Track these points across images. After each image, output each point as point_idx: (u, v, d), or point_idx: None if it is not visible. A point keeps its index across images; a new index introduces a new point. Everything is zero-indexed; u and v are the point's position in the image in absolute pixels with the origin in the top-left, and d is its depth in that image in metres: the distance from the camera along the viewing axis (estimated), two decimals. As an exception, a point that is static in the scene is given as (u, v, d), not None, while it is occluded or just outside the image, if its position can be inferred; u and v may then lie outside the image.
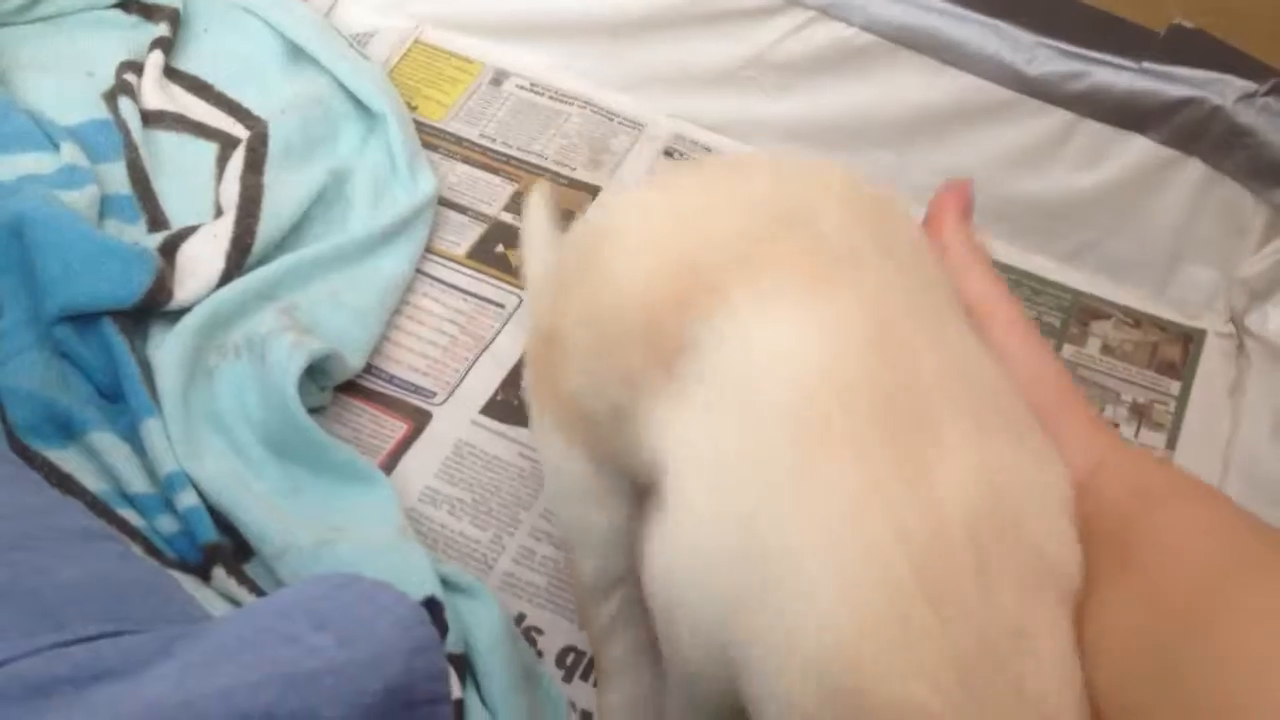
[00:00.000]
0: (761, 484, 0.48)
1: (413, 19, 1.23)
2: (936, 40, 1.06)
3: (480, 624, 0.80)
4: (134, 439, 0.87)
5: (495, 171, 1.13)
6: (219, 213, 1.01)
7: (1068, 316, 1.07)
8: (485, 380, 0.99)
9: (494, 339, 1.01)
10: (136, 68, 1.11)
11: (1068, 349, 1.05)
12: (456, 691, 0.64)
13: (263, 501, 0.85)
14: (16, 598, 0.54)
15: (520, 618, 0.86)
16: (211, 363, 0.92)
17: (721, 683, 0.50)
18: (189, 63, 1.14)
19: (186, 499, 0.84)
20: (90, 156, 1.03)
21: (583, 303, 0.61)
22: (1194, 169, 1.03)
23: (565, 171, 1.13)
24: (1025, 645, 0.45)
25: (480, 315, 1.03)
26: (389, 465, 0.93)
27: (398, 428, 0.95)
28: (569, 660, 0.84)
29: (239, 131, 1.08)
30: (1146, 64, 1.02)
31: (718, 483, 0.50)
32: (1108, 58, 1.02)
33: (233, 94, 1.12)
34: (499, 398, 0.97)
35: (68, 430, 0.87)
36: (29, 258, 0.91)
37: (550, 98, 1.19)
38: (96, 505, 0.83)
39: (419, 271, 1.05)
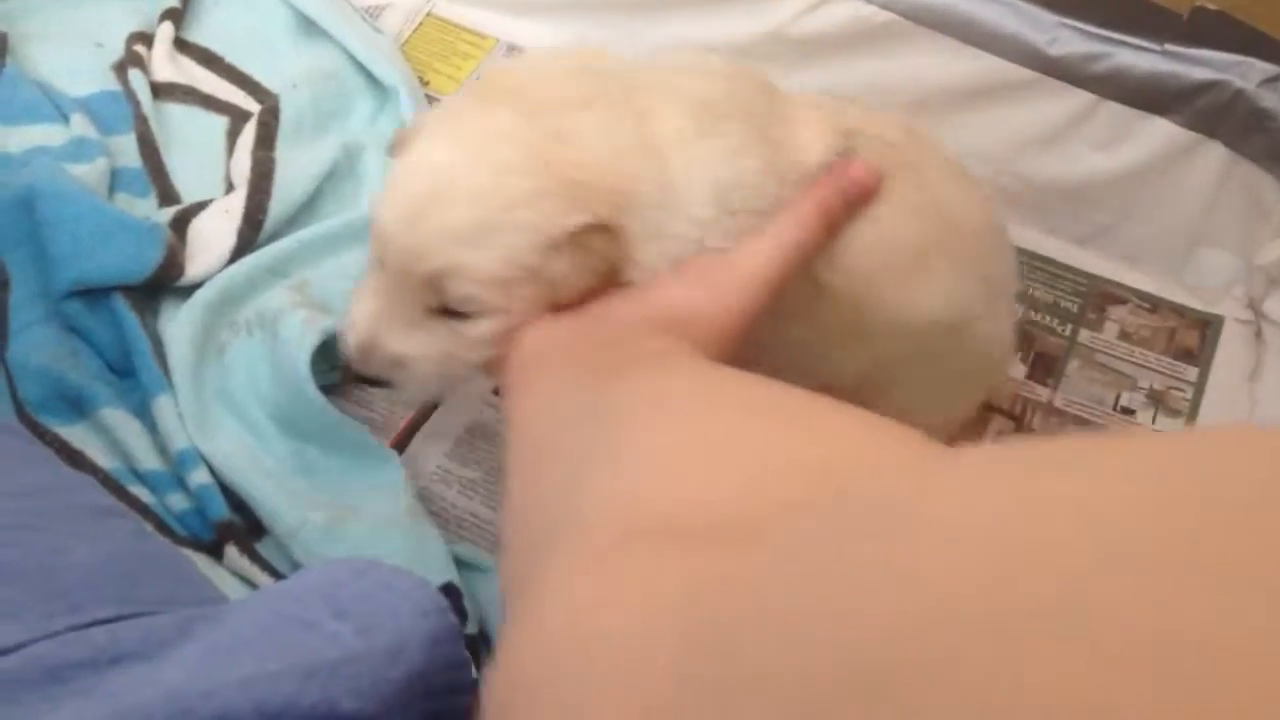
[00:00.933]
0: None
1: (425, -8, 1.22)
2: (956, 19, 1.05)
3: (494, 604, 0.80)
4: (145, 415, 0.87)
5: (508, 147, 1.12)
6: (230, 188, 1.00)
7: (1085, 301, 1.06)
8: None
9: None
10: (146, 39, 1.10)
11: (1085, 334, 1.04)
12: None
13: (274, 479, 0.85)
14: (31, 578, 0.53)
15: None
16: (223, 339, 0.92)
17: None
18: (199, 34, 1.13)
19: (198, 476, 0.84)
20: (100, 129, 1.02)
21: None
22: (1215, 152, 1.02)
23: (578, 148, 1.12)
24: None
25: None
26: (401, 445, 0.92)
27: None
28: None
29: (250, 105, 1.07)
30: (1169, 46, 1.01)
31: None
32: (1130, 39, 1.01)
33: (243, 67, 1.11)
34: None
35: (78, 406, 0.86)
36: (39, 232, 0.90)
37: (564, 73, 1.18)
38: (108, 482, 0.83)
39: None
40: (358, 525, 0.82)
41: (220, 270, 0.93)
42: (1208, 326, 1.05)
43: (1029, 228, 1.09)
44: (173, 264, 0.91)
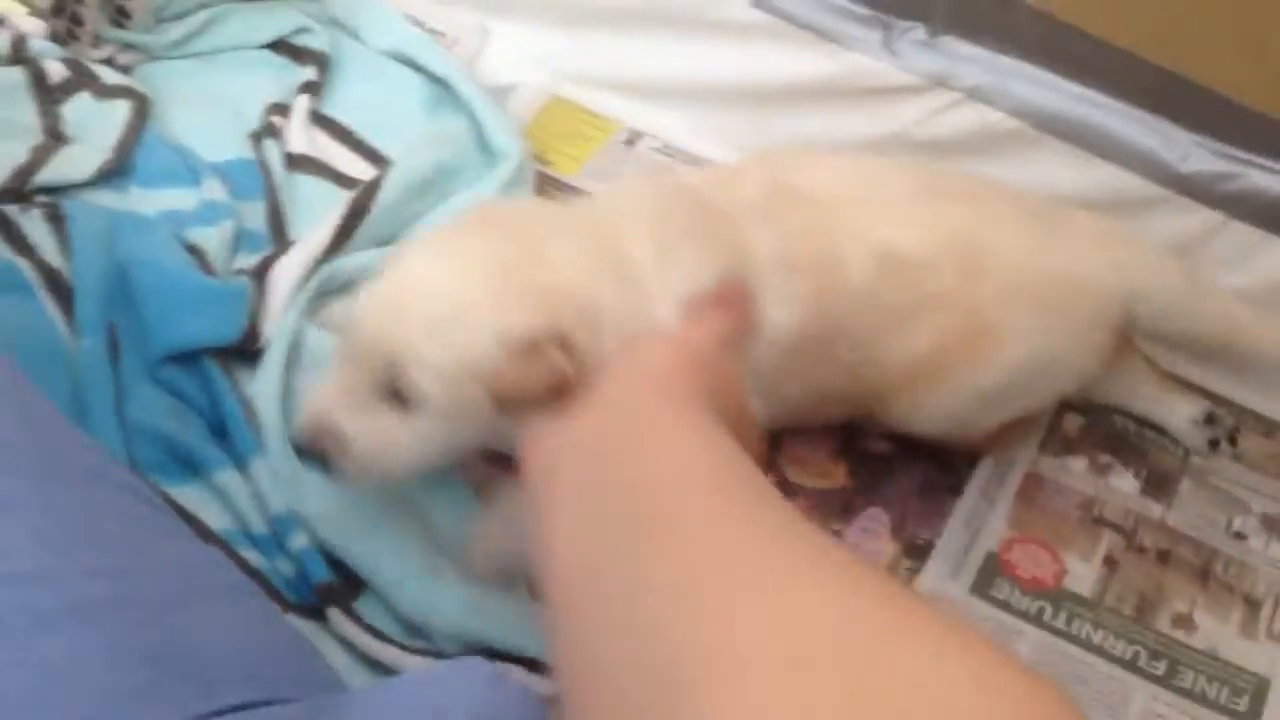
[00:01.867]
0: None
1: (551, 75, 1.24)
2: (1088, 130, 1.04)
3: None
4: (249, 478, 0.88)
5: (625, 231, 1.13)
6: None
7: (1199, 420, 1.05)
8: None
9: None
10: (283, 110, 1.12)
11: (1197, 460, 1.03)
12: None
13: (371, 532, 0.85)
14: (172, 662, 0.54)
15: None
16: (296, 385, 0.93)
17: None
18: (334, 107, 1.16)
19: (298, 540, 0.84)
20: (232, 193, 1.04)
21: None
22: (1345, 277, 1.01)
23: (695, 236, 1.13)
24: None
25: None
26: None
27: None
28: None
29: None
30: (1301, 167, 1.00)
31: None
32: (1262, 160, 1.00)
33: (373, 141, 1.13)
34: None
35: (191, 467, 0.88)
36: (134, 299, 0.93)
37: (683, 161, 1.19)
38: (223, 547, 0.83)
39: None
40: (458, 581, 0.83)
41: (285, 317, 0.95)
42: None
43: (1149, 344, 1.08)
44: (255, 329, 0.94)
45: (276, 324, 0.94)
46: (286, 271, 0.97)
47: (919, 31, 1.09)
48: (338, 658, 0.81)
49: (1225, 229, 1.02)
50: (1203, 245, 1.04)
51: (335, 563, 0.85)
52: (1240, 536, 0.99)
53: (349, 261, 1.00)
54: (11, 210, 0.97)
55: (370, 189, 1.02)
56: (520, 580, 0.84)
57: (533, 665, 0.81)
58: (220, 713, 0.52)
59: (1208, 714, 0.88)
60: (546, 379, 0.69)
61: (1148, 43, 1.06)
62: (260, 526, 0.86)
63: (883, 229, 0.85)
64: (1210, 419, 1.02)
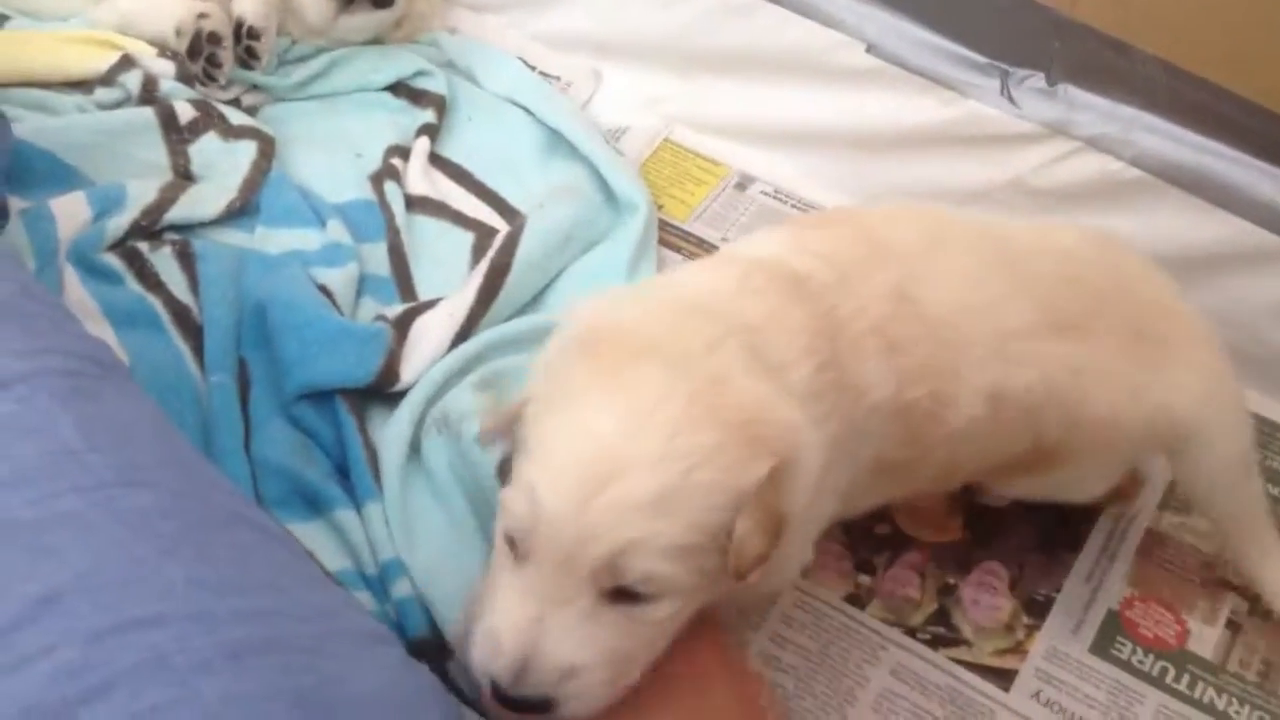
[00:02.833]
0: None
1: (664, 118, 1.25)
2: (1207, 181, 1.03)
3: None
4: (364, 521, 0.89)
5: (737, 276, 1.13)
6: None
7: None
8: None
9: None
10: (403, 152, 1.14)
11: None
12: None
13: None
14: (318, 706, 0.54)
15: None
16: (420, 438, 0.94)
17: None
18: (452, 150, 1.18)
19: (401, 588, 0.84)
20: (354, 235, 1.06)
21: None
22: None
23: (806, 282, 1.13)
24: None
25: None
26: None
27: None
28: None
29: (496, 222, 1.11)
30: None
31: None
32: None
33: (491, 184, 1.15)
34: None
35: (314, 505, 0.89)
36: (270, 336, 0.95)
37: (794, 206, 1.19)
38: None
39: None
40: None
41: (427, 371, 0.96)
42: None
43: (1271, 397, 1.05)
44: (391, 370, 0.95)
45: (419, 374, 0.95)
46: (434, 328, 0.98)
47: (1038, 80, 1.08)
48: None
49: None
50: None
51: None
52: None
53: (503, 334, 1.01)
54: (143, 247, 0.99)
55: (508, 246, 1.03)
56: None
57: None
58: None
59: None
60: (770, 525, 0.63)
61: (1269, 93, 1.05)
62: (371, 569, 0.86)
63: (996, 369, 0.79)
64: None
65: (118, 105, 1.11)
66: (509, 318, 1.03)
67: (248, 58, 1.16)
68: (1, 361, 0.62)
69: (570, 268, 1.09)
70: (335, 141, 1.16)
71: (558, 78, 1.27)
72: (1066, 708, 0.88)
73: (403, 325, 0.98)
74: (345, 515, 0.88)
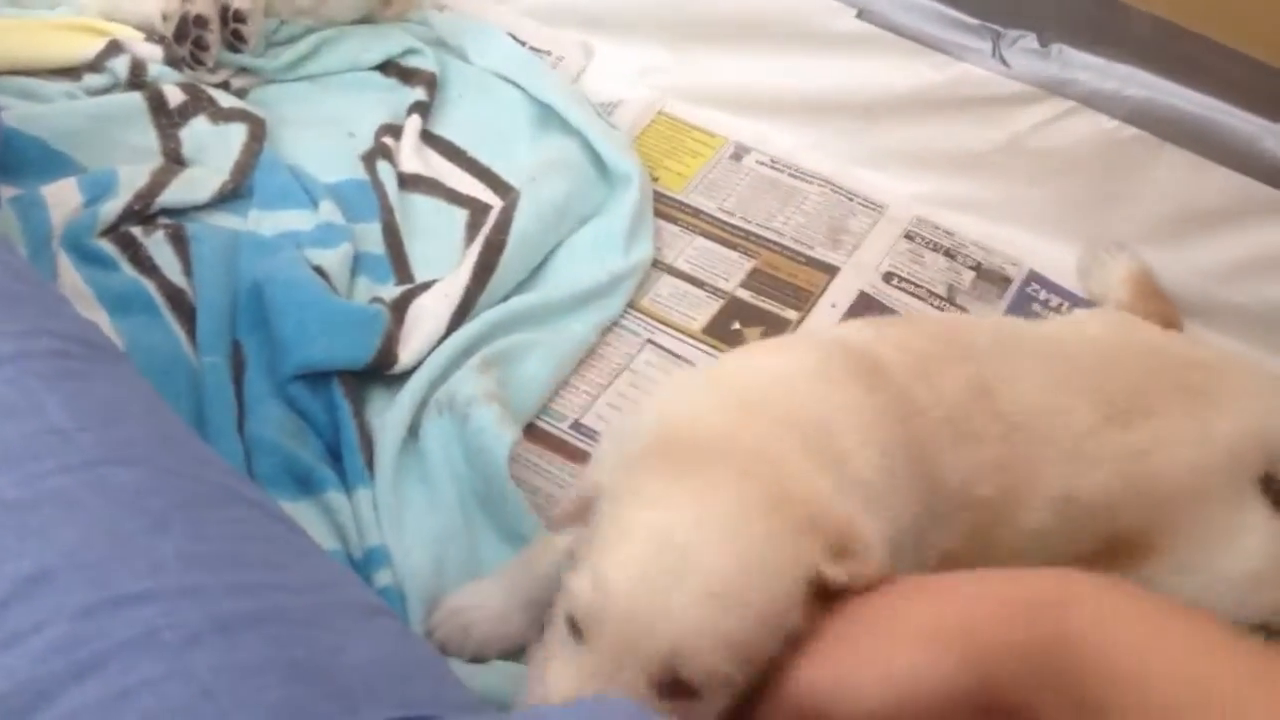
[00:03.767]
0: None
1: (657, 90, 1.24)
2: (1204, 136, 1.02)
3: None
4: (353, 504, 0.88)
5: (733, 246, 1.13)
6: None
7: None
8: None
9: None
10: (394, 130, 1.14)
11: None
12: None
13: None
14: (314, 679, 0.54)
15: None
16: (420, 420, 0.93)
17: None
18: (444, 127, 1.18)
19: (383, 577, 0.84)
20: (347, 215, 1.06)
21: None
22: None
23: (803, 249, 1.13)
24: None
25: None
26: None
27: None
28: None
29: (489, 198, 1.11)
30: None
31: None
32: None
33: (484, 160, 1.14)
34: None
35: (305, 485, 0.89)
36: (269, 317, 0.94)
37: (791, 175, 1.18)
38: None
39: (650, 343, 1.05)
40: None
41: (429, 352, 0.96)
42: None
43: (1271, 351, 1.05)
44: (389, 351, 0.94)
45: (418, 356, 0.95)
46: (431, 309, 0.98)
47: (1030, 40, 1.07)
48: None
49: (1351, 235, 1.00)
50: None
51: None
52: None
53: (504, 313, 1.00)
54: (136, 232, 0.99)
55: (503, 222, 1.03)
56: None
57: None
58: (367, 728, 0.53)
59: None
60: (817, 616, 0.63)
61: (1264, 46, 1.04)
62: (358, 554, 0.86)
63: (1068, 470, 0.79)
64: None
65: (106, 91, 1.11)
66: (507, 294, 1.03)
67: (235, 40, 1.15)
68: (-10, 344, 0.62)
69: (567, 241, 1.09)
70: (326, 122, 1.16)
71: (548, 53, 1.26)
72: None
73: (400, 307, 0.98)
74: (336, 497, 0.88)
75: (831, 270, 1.11)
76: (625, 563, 0.62)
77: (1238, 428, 0.84)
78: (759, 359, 0.81)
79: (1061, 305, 1.10)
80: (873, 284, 1.10)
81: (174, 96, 1.10)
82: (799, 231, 1.14)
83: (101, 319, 0.91)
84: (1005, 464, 0.77)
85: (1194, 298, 1.06)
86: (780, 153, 1.20)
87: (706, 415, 0.71)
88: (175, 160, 1.07)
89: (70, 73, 1.12)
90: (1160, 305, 1.03)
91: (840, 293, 1.09)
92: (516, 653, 0.79)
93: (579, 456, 0.95)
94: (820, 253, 1.12)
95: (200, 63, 1.14)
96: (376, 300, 0.99)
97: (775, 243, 1.13)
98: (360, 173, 1.10)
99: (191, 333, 0.94)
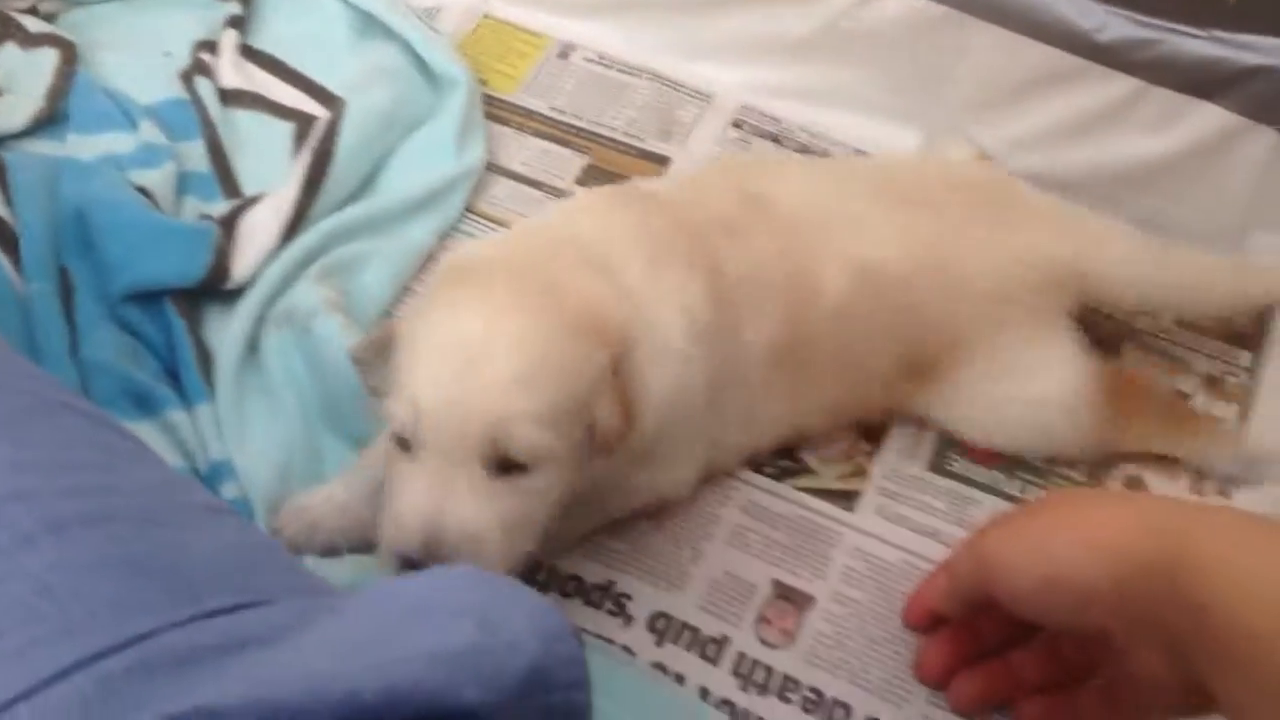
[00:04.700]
0: None
1: (479, -6, 1.24)
2: (1006, 10, 1.06)
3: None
4: (194, 421, 0.89)
5: (566, 144, 1.14)
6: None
7: (1138, 286, 1.07)
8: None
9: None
10: (212, 47, 1.12)
11: (1142, 320, 1.05)
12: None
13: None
14: (155, 571, 0.55)
15: (609, 584, 0.87)
16: (260, 335, 0.94)
17: None
18: (263, 40, 1.16)
19: (229, 490, 0.85)
20: (169, 135, 1.04)
21: None
22: (1265, 138, 1.03)
23: (635, 143, 1.14)
24: None
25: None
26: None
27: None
28: (659, 625, 0.86)
29: (314, 109, 1.10)
30: (1217, 32, 1.02)
31: None
32: (1178, 26, 1.02)
33: (306, 71, 1.13)
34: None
35: (144, 405, 0.89)
36: (95, 240, 0.93)
37: (619, 70, 1.20)
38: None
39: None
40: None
41: (262, 267, 0.96)
42: (1263, 311, 1.05)
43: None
44: (221, 267, 0.94)
45: (256, 275, 0.95)
46: (261, 223, 0.97)
47: (838, -77, 1.10)
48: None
49: (1146, 96, 1.05)
50: (1125, 114, 1.06)
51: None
52: (1184, 396, 1.02)
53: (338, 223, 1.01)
54: (-51, 164, 0.96)
55: (329, 133, 1.03)
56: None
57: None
58: (210, 615, 0.54)
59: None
60: (624, 403, 0.72)
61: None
62: (203, 469, 0.87)
63: (855, 245, 0.86)
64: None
65: (-95, 21, 1.07)
66: (341, 205, 1.03)
67: (40, -36, 1.12)
68: None
69: (397, 149, 1.09)
70: (140, 42, 1.13)
71: (366, -41, 1.25)
72: (909, 517, 0.92)
73: (229, 223, 0.97)
74: (176, 415, 0.88)
75: (664, 161, 1.13)
76: (428, 371, 0.70)
77: (1043, 249, 0.89)
78: (543, 213, 0.90)
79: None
80: (703, 172, 1.12)
81: (-22, 24, 1.07)
82: (630, 125, 1.16)
83: (-82, 252, 0.88)
84: (787, 250, 0.84)
85: (1018, 171, 1.09)
86: (607, 49, 1.21)
87: (489, 245, 0.82)
88: (-15, 89, 1.04)
89: None
90: None
91: (673, 182, 1.12)
92: (367, 546, 0.81)
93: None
94: (652, 144, 1.14)
95: (0, -13, 1.10)
96: (205, 217, 0.98)
97: (608, 138, 1.15)
98: (179, 91, 1.08)
99: (16, 262, 0.92)
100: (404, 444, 0.70)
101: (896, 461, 0.95)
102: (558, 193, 1.10)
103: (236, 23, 1.15)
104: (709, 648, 0.85)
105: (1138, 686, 0.70)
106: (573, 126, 1.15)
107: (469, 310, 0.71)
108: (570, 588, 0.87)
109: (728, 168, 0.92)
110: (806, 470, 0.94)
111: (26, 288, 0.90)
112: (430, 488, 0.69)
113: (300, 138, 1.07)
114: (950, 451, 0.96)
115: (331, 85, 1.12)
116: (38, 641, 0.49)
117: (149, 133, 1.03)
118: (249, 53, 1.14)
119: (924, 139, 1.13)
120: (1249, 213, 1.07)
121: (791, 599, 0.88)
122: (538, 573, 0.86)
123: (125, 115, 1.05)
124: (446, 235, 1.05)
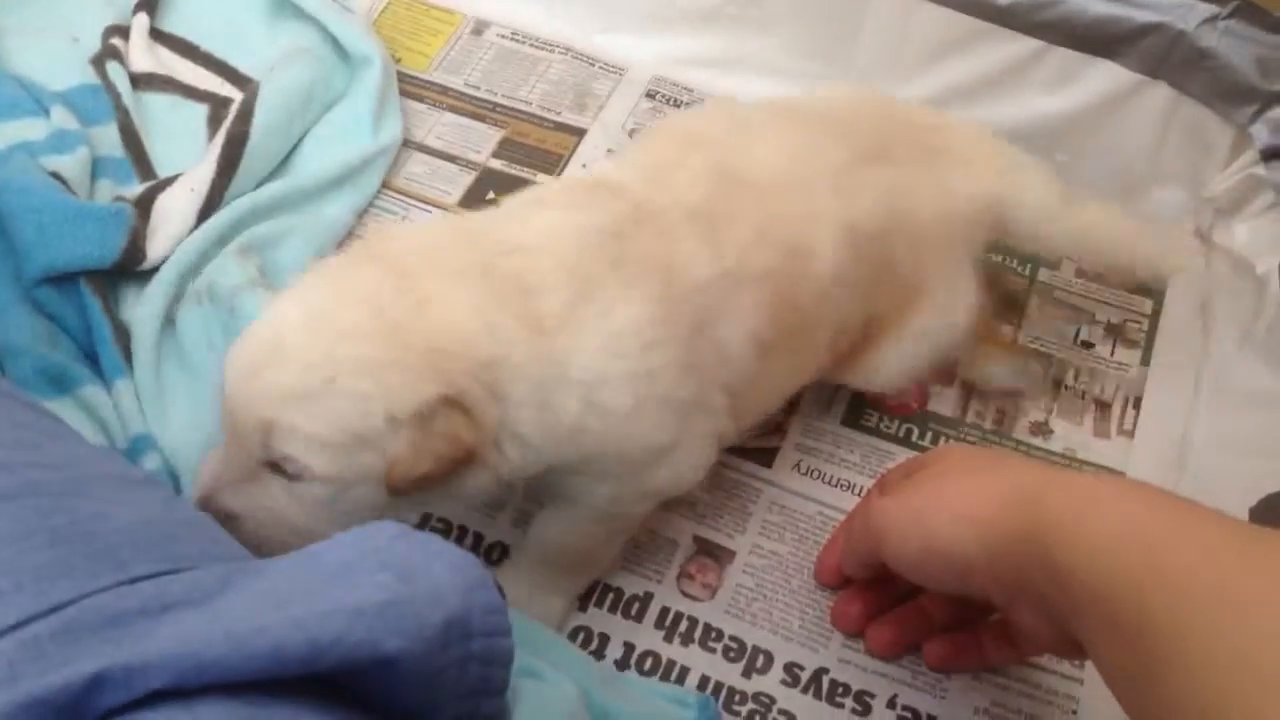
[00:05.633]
0: None
1: (390, -28, 1.24)
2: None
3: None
4: (113, 397, 0.90)
5: (482, 119, 1.15)
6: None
7: (1043, 240, 1.10)
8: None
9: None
10: (122, 31, 1.12)
11: (1044, 273, 1.09)
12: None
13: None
14: (78, 541, 0.56)
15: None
16: (177, 310, 0.95)
17: None
18: (174, 24, 1.16)
19: (150, 461, 0.86)
20: (81, 120, 1.04)
21: None
22: (1161, 92, 1.06)
23: (550, 115, 1.16)
24: None
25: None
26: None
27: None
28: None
29: (228, 92, 1.10)
30: (1113, -10, 1.05)
31: None
32: (1076, -13, 1.05)
33: (220, 54, 1.13)
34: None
35: (60, 384, 0.89)
36: (4, 225, 0.93)
37: (532, 45, 1.21)
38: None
39: (408, 221, 1.07)
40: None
41: (177, 246, 0.96)
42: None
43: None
44: (136, 248, 0.94)
45: (167, 251, 0.95)
46: (176, 204, 0.97)
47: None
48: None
49: (1046, 55, 1.08)
50: (1026, 73, 1.09)
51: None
52: (1088, 345, 1.05)
53: (255, 200, 1.01)
54: None
55: (243, 114, 1.03)
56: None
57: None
58: (134, 580, 0.55)
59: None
60: (438, 450, 0.67)
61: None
62: (123, 444, 0.87)
63: (836, 205, 0.81)
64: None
65: None
66: (257, 185, 1.03)
67: (-59, -50, 1.11)
68: None
69: (313, 130, 1.09)
70: (48, 28, 1.12)
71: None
72: (825, 471, 0.95)
73: (144, 203, 0.98)
74: (93, 391, 0.89)
75: (579, 133, 1.15)
76: (240, 350, 0.68)
77: (973, 186, 0.90)
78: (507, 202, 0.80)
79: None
80: (619, 142, 1.14)
81: (-120, 15, 1.06)
82: (545, 99, 1.17)
83: None
84: (765, 229, 0.78)
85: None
86: (519, 24, 1.22)
87: (414, 235, 0.74)
88: (-110, 80, 1.03)
89: None
90: None
91: (589, 153, 1.13)
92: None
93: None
94: (567, 117, 1.16)
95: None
96: (119, 199, 0.98)
97: (523, 111, 1.16)
98: (90, 77, 1.08)
99: (-71, 248, 0.92)
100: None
101: (812, 416, 0.98)
102: (474, 166, 1.11)
103: (147, 6, 1.14)
104: (633, 606, 0.87)
105: (1024, 634, 0.75)
106: (487, 101, 1.16)
107: (309, 296, 0.69)
108: (496, 555, 0.88)
109: (691, 139, 0.83)
110: (724, 430, 0.96)
111: (-61, 275, 0.90)
112: (220, 459, 0.70)
113: (214, 120, 1.07)
114: (865, 406, 0.99)
115: (245, 68, 1.12)
116: (-38, 612, 0.50)
117: (61, 119, 1.03)
118: (160, 36, 1.14)
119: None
120: (1149, 168, 1.10)
121: (713, 554, 0.90)
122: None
123: (36, 102, 1.04)
124: (364, 212, 1.06)
